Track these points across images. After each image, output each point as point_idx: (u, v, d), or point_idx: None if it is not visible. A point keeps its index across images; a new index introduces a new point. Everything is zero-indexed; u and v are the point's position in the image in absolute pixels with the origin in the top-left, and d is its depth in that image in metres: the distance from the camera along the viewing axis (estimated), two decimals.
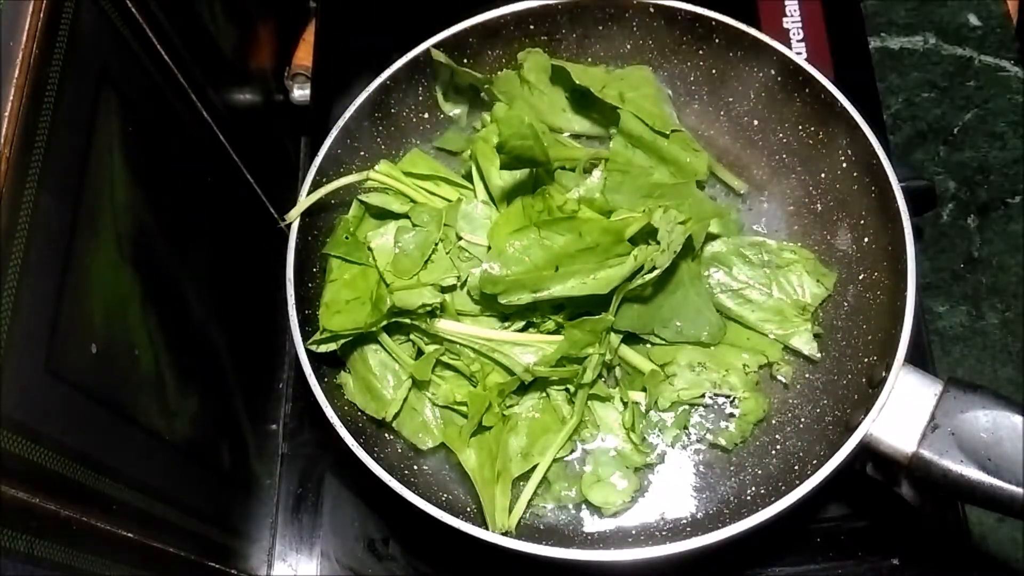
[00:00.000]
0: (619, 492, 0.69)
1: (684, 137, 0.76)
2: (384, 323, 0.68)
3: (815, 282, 0.73)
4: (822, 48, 0.91)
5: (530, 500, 0.68)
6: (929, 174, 0.98)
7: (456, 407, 0.70)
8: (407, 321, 0.68)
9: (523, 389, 0.70)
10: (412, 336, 0.70)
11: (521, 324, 0.69)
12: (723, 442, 0.70)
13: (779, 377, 0.73)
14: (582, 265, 0.66)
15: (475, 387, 0.69)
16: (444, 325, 0.68)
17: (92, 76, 0.56)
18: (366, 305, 0.69)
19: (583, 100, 0.79)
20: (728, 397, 0.72)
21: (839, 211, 0.75)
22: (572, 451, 0.71)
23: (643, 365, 0.71)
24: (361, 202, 0.74)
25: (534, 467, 0.68)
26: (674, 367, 0.71)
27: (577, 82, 0.75)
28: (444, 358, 0.69)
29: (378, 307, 0.67)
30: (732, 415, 0.71)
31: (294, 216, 0.71)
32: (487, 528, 0.65)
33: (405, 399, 0.69)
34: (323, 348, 0.69)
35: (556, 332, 0.69)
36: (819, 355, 0.72)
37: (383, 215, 0.73)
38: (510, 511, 0.66)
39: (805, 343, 0.72)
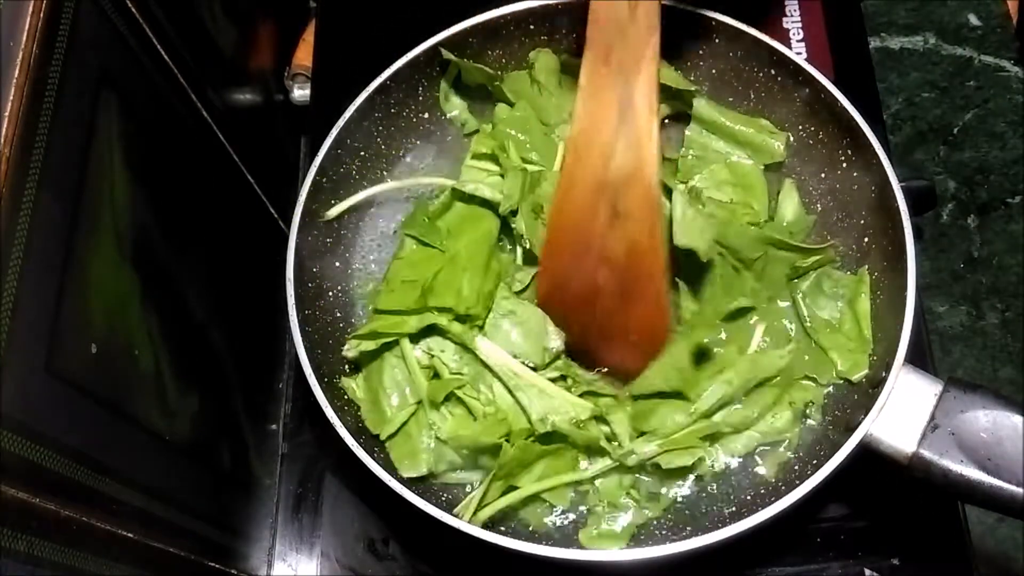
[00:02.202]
0: (616, 539, 0.67)
1: (760, 121, 0.76)
2: (424, 316, 0.67)
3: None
4: (822, 48, 0.91)
5: (526, 507, 0.67)
6: (929, 174, 0.98)
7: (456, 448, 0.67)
8: (444, 324, 0.67)
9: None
10: (434, 359, 0.68)
11: (555, 375, 0.68)
12: (763, 473, 0.69)
13: (804, 421, 0.70)
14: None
15: None
16: (483, 344, 0.67)
17: (92, 76, 0.56)
18: (417, 289, 0.68)
19: None
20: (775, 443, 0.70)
21: (839, 211, 0.75)
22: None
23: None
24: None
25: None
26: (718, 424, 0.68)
27: None
28: (459, 392, 0.67)
29: (425, 295, 0.67)
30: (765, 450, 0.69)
31: (336, 212, 0.73)
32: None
33: (404, 423, 0.68)
34: (361, 347, 0.68)
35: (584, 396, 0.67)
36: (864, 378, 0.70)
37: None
38: (479, 508, 0.64)
39: (862, 375, 0.69)
